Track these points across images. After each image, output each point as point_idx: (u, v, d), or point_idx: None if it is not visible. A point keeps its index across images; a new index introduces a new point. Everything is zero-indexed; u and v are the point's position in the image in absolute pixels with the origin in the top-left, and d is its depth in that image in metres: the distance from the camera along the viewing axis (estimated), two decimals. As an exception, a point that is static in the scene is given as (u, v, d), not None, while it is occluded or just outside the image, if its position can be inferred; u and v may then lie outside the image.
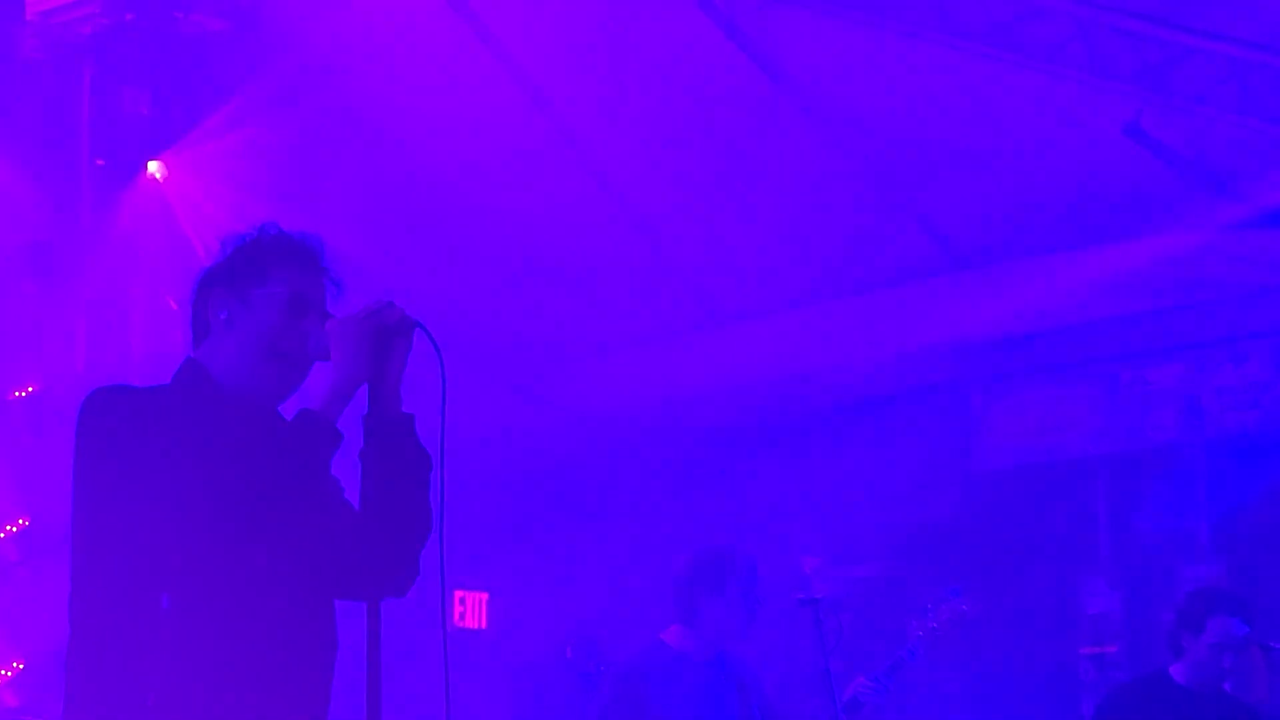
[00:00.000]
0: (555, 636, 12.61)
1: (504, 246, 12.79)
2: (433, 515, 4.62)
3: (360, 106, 11.91)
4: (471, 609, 13.55)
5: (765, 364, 12.90)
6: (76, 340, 11.67)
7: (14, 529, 11.44)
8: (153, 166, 11.42)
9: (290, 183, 11.68)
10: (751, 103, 11.48)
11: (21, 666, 11.15)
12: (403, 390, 4.58)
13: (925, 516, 12.36)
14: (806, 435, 12.97)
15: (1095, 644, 11.97)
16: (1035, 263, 11.76)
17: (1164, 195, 11.00)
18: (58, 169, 11.57)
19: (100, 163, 11.42)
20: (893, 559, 12.38)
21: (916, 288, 12.27)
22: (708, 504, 12.64)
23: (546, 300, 13.15)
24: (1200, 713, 8.43)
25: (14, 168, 11.41)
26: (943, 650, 8.69)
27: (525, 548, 13.42)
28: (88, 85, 11.38)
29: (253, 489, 4.34)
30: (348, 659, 4.66)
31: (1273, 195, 10.80)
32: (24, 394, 11.68)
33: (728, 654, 8.16)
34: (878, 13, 10.54)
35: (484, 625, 13.57)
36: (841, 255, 12.29)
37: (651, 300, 13.11)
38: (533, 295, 13.09)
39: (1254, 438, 11.65)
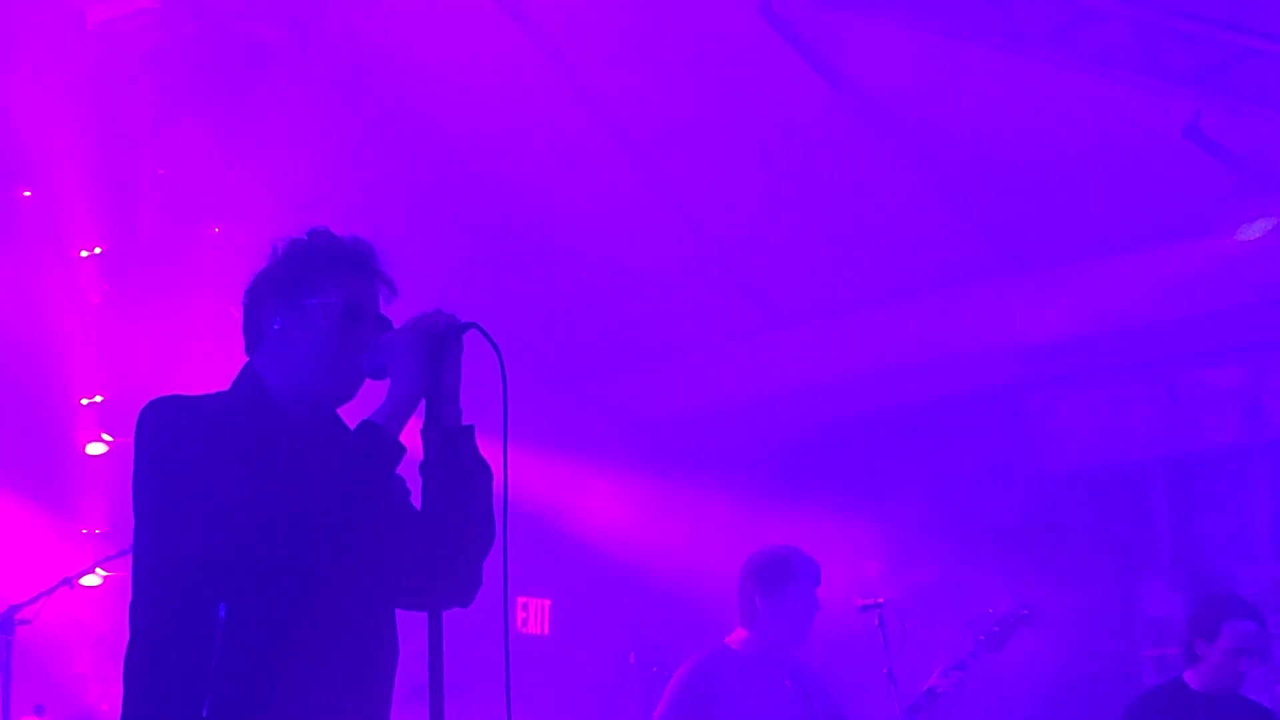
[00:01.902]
0: (618, 642, 12.61)
1: (563, 251, 12.83)
2: (495, 526, 4.62)
3: (418, 114, 11.98)
4: (534, 615, 13.55)
5: (824, 367, 12.92)
6: (141, 349, 11.71)
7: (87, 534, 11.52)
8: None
9: (347, 189, 11.69)
10: (810, 107, 11.47)
11: (83, 675, 11.22)
12: (463, 395, 4.57)
13: (986, 520, 12.31)
14: (866, 438, 12.94)
15: (1156, 646, 11.90)
16: (1095, 264, 11.71)
17: (1223, 196, 10.93)
18: (119, 178, 11.61)
19: (161, 172, 11.46)
20: (954, 562, 12.32)
21: (976, 289, 12.25)
22: (769, 508, 12.61)
23: (603, 304, 13.19)
24: (1218, 718, 8.39)
25: (76, 177, 11.46)
26: (1003, 653, 8.65)
27: (588, 554, 13.41)
28: (148, 94, 11.42)
29: (309, 497, 4.33)
30: (411, 665, 4.65)
31: (1334, 195, 10.76)
32: (90, 404, 11.73)
33: (792, 658, 8.17)
34: (934, 16, 10.50)
35: (547, 631, 13.56)
36: (900, 257, 12.28)
37: (710, 303, 13.12)
38: (590, 299, 13.12)
39: (1316, 439, 11.59)
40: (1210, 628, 8.44)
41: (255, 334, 4.68)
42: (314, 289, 4.60)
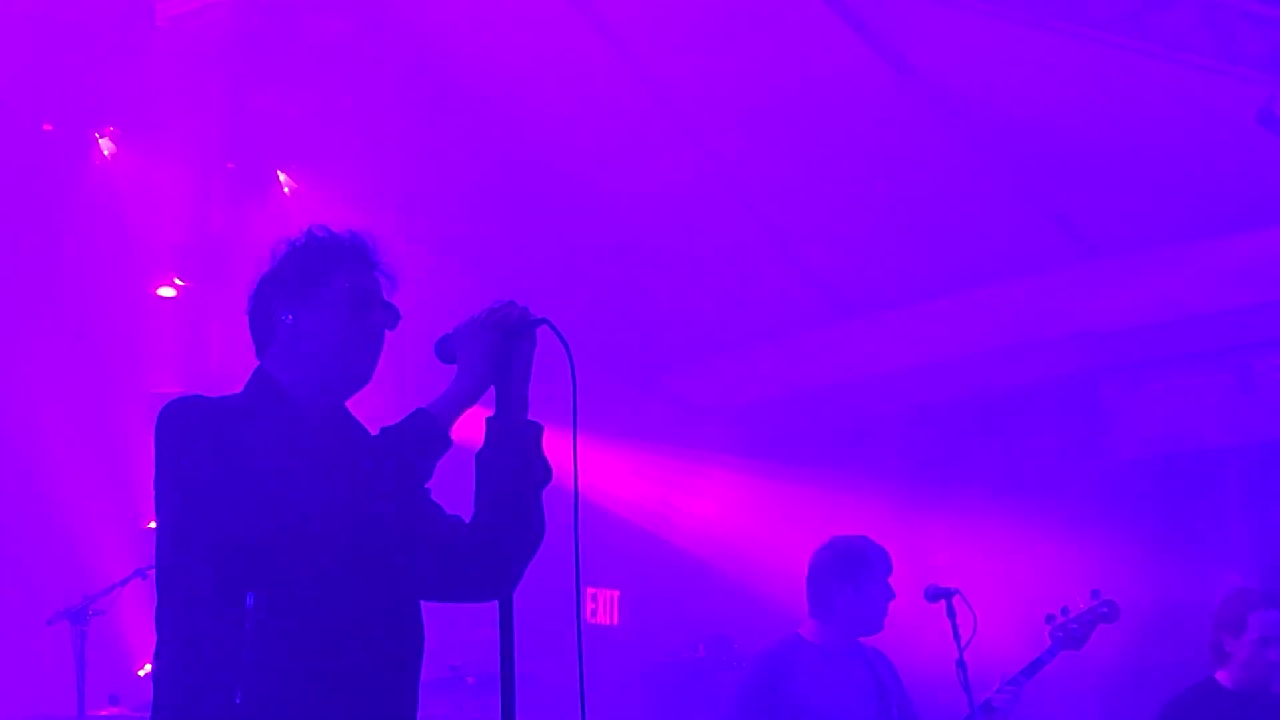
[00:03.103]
0: (686, 633, 12.60)
1: (629, 241, 12.84)
2: (543, 526, 4.61)
3: (483, 105, 11.99)
4: (603, 606, 13.56)
5: (894, 356, 12.89)
6: (212, 342, 11.77)
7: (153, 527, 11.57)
8: (281, 177, 11.50)
9: (413, 181, 11.71)
10: (876, 94, 11.42)
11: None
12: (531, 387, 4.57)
13: (1057, 508, 12.22)
14: (936, 428, 12.90)
15: (1231, 636, 11.76)
16: (1167, 251, 11.65)
17: (1297, 182, 10.87)
18: (190, 173, 11.66)
19: (230, 165, 11.50)
20: (1025, 551, 12.19)
21: (1047, 278, 12.17)
22: (838, 498, 12.58)
23: (674, 295, 13.18)
24: (1251, 715, 8.30)
25: (148, 173, 11.52)
26: (1079, 649, 8.59)
27: (657, 545, 13.39)
28: (217, 89, 11.47)
29: (341, 485, 4.35)
30: (485, 656, 4.65)
31: None
32: (163, 395, 11.79)
33: (864, 647, 8.16)
34: (1003, 2, 10.46)
35: (615, 622, 13.57)
36: (970, 246, 12.22)
37: (778, 294, 13.08)
38: (657, 290, 13.13)
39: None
40: (1236, 621, 8.33)
41: (265, 335, 4.71)
42: (325, 282, 4.65)
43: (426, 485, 4.62)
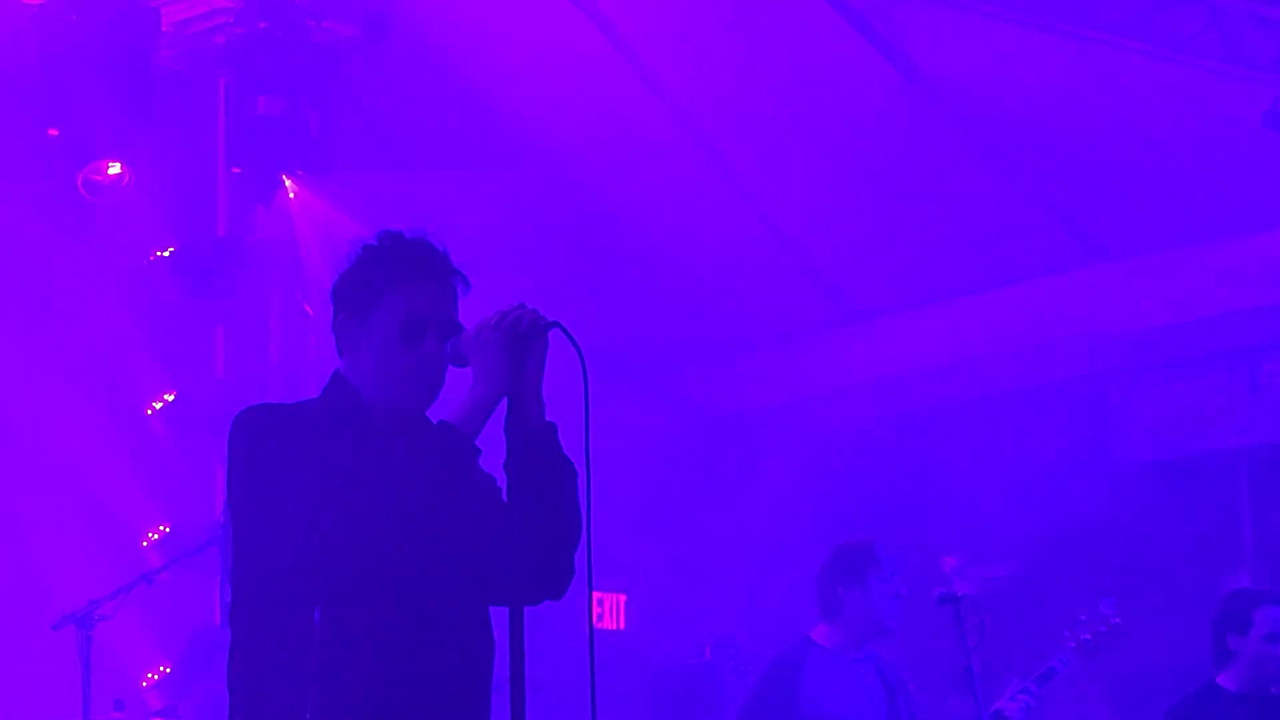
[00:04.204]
0: (693, 637, 12.58)
1: (638, 248, 12.82)
2: (581, 520, 4.62)
3: (490, 110, 11.99)
4: (609, 610, 13.53)
5: (900, 361, 12.85)
6: (216, 348, 11.76)
7: (156, 536, 11.57)
8: (286, 182, 11.49)
9: (420, 185, 11.69)
10: (883, 98, 11.42)
11: (167, 670, 11.28)
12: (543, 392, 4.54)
13: (1064, 513, 12.18)
14: (943, 432, 12.87)
15: (1240, 640, 11.73)
16: (1173, 254, 11.63)
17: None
18: (194, 177, 11.66)
19: (236, 170, 11.49)
20: (1032, 556, 12.23)
21: (1052, 281, 12.16)
22: (845, 502, 12.56)
23: (680, 300, 13.16)
24: (1255, 717, 8.26)
25: (152, 177, 11.50)
26: (1093, 660, 8.56)
27: (663, 548, 13.38)
28: (223, 94, 11.46)
29: (384, 501, 4.33)
30: (495, 661, 4.63)
31: None
32: (164, 402, 11.79)
33: (874, 652, 8.13)
34: (1008, 4, 10.45)
35: (622, 626, 13.54)
36: (977, 249, 12.20)
37: (786, 298, 13.06)
38: (667, 295, 13.10)
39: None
40: (1241, 618, 8.28)
41: (339, 341, 4.69)
42: (378, 302, 4.59)
43: (492, 481, 4.63)
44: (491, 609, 4.66)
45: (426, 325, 4.58)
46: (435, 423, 4.47)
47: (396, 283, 4.58)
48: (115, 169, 11.19)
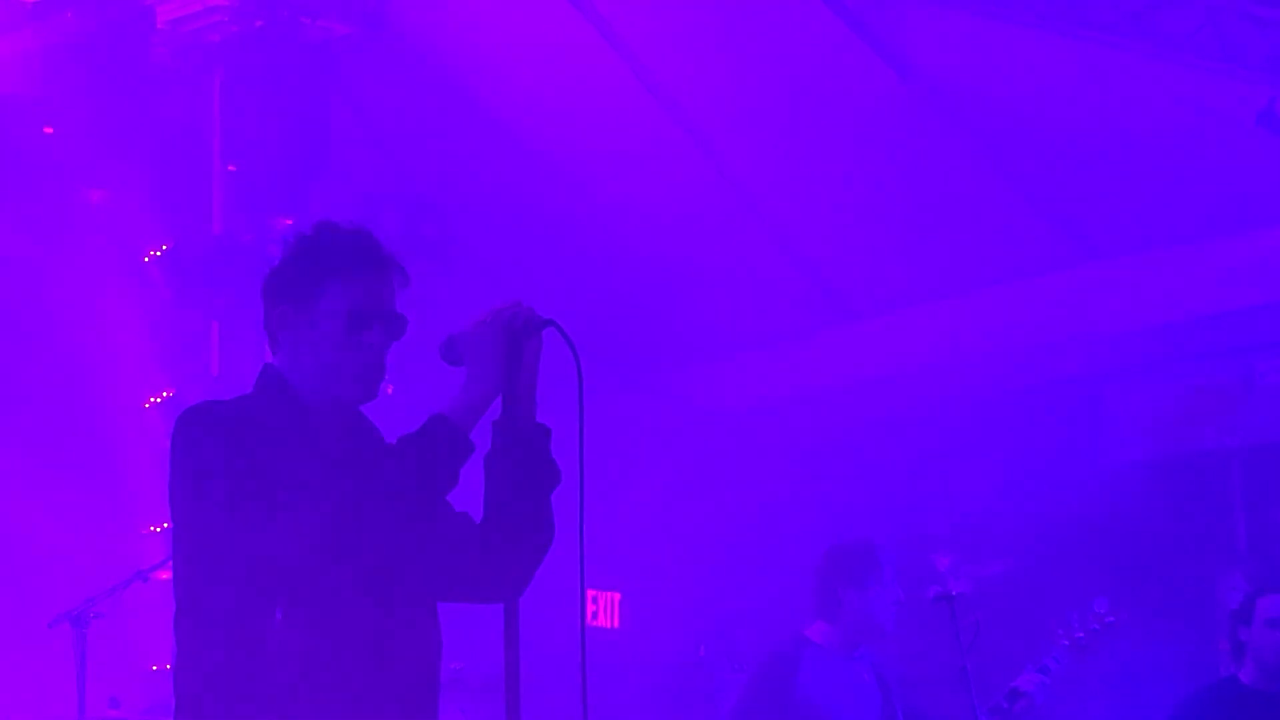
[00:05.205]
0: (688, 636, 12.56)
1: (632, 246, 12.82)
2: (553, 528, 4.56)
3: (485, 108, 11.99)
4: (604, 608, 13.52)
5: (896, 359, 12.82)
6: (211, 345, 11.73)
7: (158, 529, 11.55)
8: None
9: (415, 182, 11.67)
10: (878, 97, 11.40)
11: (158, 668, 11.25)
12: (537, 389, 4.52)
13: (1058, 512, 12.15)
14: (937, 430, 12.84)
15: (1233, 639, 11.74)
16: (1168, 253, 11.60)
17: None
18: (190, 175, 11.63)
19: (231, 169, 11.47)
20: (1027, 555, 12.18)
21: (1048, 280, 12.13)
22: (840, 501, 12.54)
23: (676, 298, 13.15)
24: (1270, 713, 8.31)
25: (147, 174, 11.48)
26: (1087, 658, 8.58)
27: (658, 546, 13.36)
28: (218, 92, 11.44)
29: (367, 497, 4.26)
30: (487, 659, 4.65)
31: None
32: (159, 400, 11.76)
33: (870, 652, 8.13)
34: (1004, 4, 10.44)
35: (616, 624, 13.53)
36: (971, 248, 12.17)
37: (781, 297, 13.04)
38: (661, 294, 13.10)
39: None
40: (1245, 611, 8.44)
41: (272, 334, 4.60)
42: (321, 294, 4.49)
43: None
44: (484, 610, 4.62)
45: (373, 315, 4.50)
46: (428, 417, 4.39)
47: (341, 272, 4.50)
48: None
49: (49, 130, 11.17)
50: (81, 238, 11.77)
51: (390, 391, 4.37)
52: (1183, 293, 11.64)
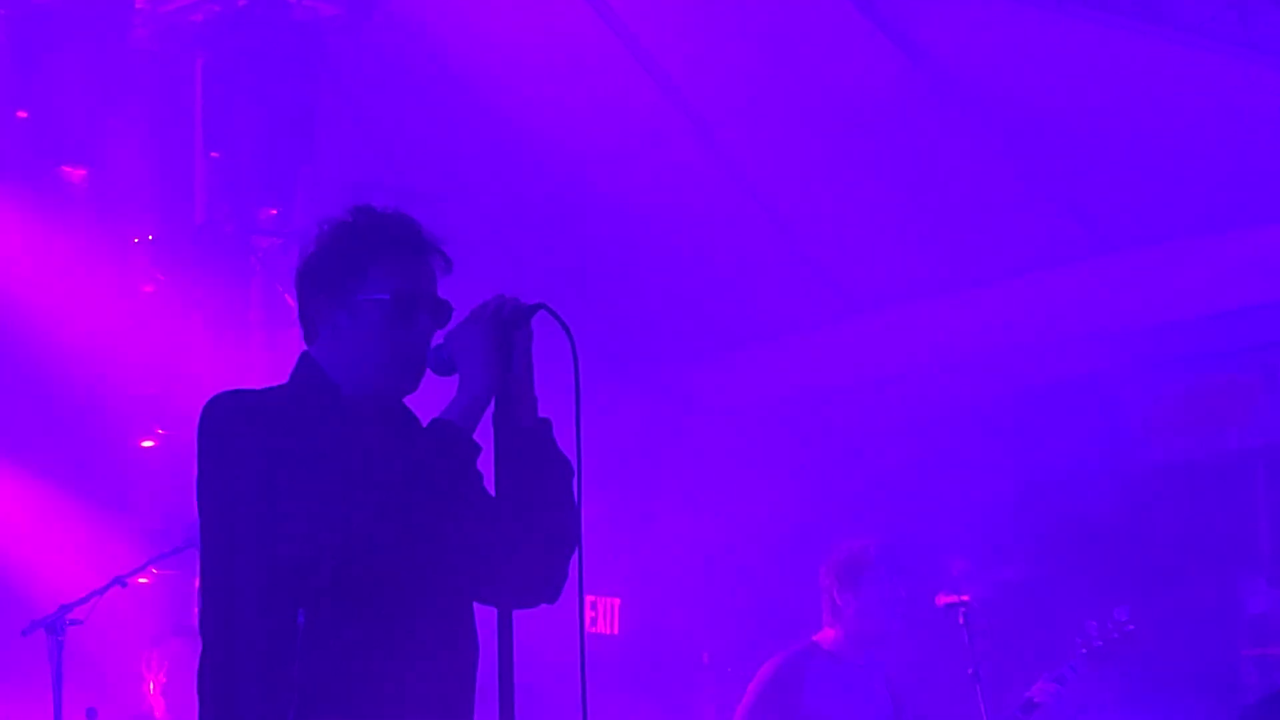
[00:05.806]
0: (690, 642, 12.56)
1: (636, 239, 12.73)
2: (578, 519, 4.45)
3: (482, 95, 11.84)
4: (604, 614, 13.47)
5: (906, 355, 12.75)
6: (194, 339, 11.56)
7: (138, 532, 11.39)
8: None
9: (408, 171, 11.60)
10: (889, 83, 11.26)
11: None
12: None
13: (1075, 514, 12.10)
14: (950, 430, 12.75)
15: (1257, 645, 11.64)
16: (1187, 245, 11.47)
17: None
18: (170, 161, 11.45)
19: (214, 155, 11.28)
20: (1041, 559, 12.17)
21: (1063, 273, 12.01)
22: (848, 504, 12.51)
23: (679, 293, 13.07)
24: None
25: (126, 160, 11.29)
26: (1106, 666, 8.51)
27: (659, 550, 13.31)
28: (199, 74, 11.27)
29: (386, 499, 4.15)
30: (480, 666, 4.55)
31: None
32: (145, 396, 11.59)
33: (878, 657, 8.09)
34: (1019, -14, 10.35)
35: (616, 631, 13.51)
36: (984, 240, 12.06)
37: (787, 290, 12.96)
38: (662, 286, 13.02)
39: None
40: None
41: (310, 324, 4.53)
42: (363, 281, 4.43)
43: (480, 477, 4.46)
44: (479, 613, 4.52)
45: (417, 302, 4.43)
46: (429, 421, 4.31)
47: (382, 258, 4.43)
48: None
49: (23, 115, 11.00)
50: (64, 226, 11.58)
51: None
52: (1202, 287, 11.50)
